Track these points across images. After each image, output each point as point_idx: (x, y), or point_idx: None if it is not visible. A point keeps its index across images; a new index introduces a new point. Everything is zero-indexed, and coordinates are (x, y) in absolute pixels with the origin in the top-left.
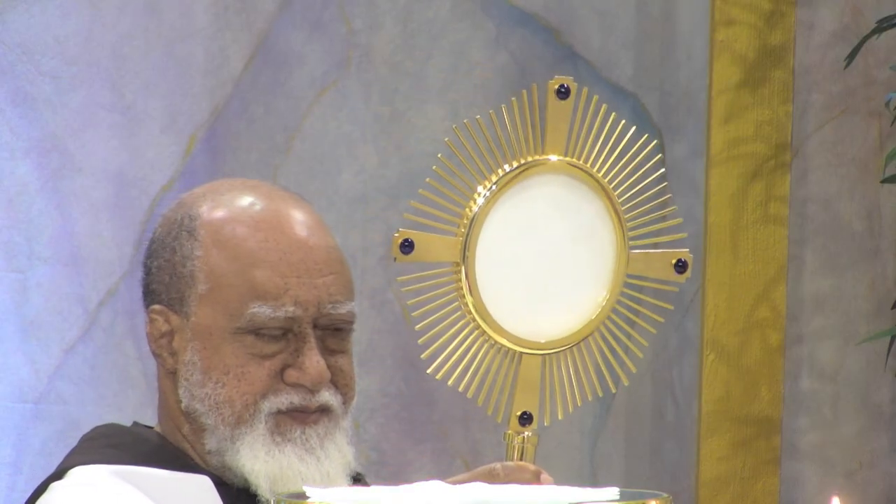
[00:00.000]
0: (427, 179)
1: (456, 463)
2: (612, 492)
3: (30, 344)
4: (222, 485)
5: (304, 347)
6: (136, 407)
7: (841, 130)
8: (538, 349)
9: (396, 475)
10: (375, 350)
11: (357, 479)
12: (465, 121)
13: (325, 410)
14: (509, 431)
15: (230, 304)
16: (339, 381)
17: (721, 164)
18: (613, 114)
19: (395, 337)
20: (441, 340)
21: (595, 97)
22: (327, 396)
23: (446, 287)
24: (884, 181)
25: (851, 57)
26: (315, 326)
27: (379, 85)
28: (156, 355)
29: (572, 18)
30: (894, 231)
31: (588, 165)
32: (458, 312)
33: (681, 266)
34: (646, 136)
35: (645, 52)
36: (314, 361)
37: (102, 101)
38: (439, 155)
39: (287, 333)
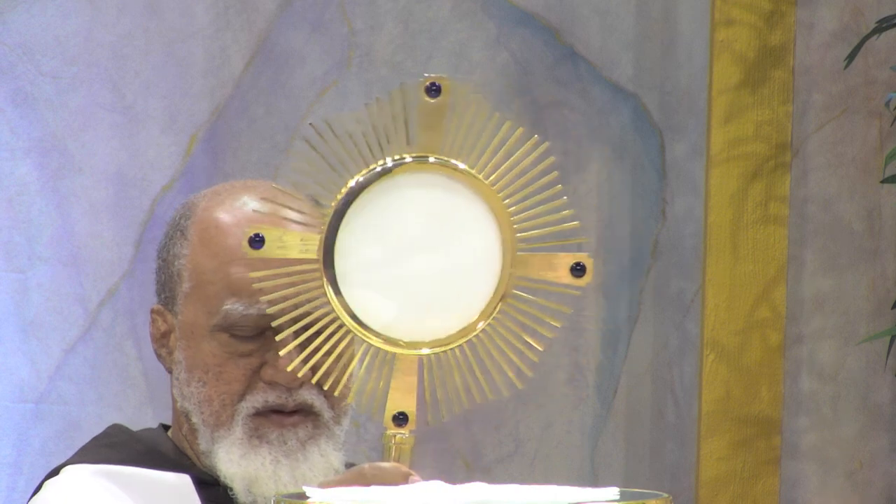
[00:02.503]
0: (280, 177)
1: (457, 463)
2: (612, 492)
3: (30, 344)
4: (215, 485)
5: (280, 345)
6: (137, 407)
7: (841, 130)
8: (414, 349)
9: None
10: None
11: None
12: (322, 119)
13: (307, 412)
14: (387, 432)
15: (208, 301)
16: (325, 383)
17: (721, 164)
18: (497, 114)
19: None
20: (303, 337)
21: (477, 97)
22: (306, 396)
23: (308, 284)
24: (884, 181)
25: (851, 57)
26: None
27: (380, 85)
28: (157, 355)
29: (573, 18)
30: (894, 231)
31: (467, 165)
32: (324, 309)
33: (578, 270)
34: (535, 136)
35: (645, 52)
36: (288, 359)
37: (102, 101)
38: (296, 154)
39: (265, 331)
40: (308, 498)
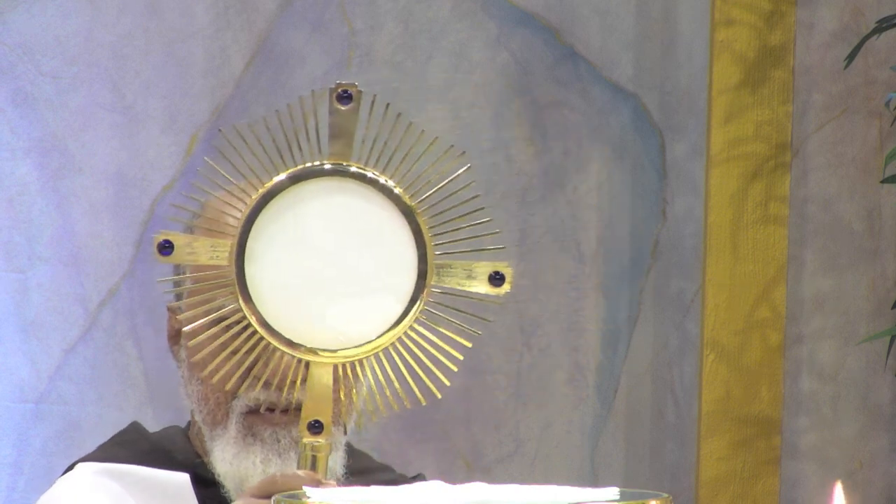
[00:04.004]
0: (193, 182)
1: (458, 463)
2: (612, 492)
3: (30, 344)
4: (214, 484)
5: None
6: (137, 407)
7: (841, 130)
8: (328, 358)
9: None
10: None
11: (415, 478)
12: (234, 124)
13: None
14: (303, 440)
15: (206, 300)
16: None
17: (721, 164)
18: (411, 122)
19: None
20: (216, 343)
21: (388, 104)
22: (300, 395)
23: (218, 290)
24: (884, 181)
25: (851, 57)
26: None
27: (380, 85)
28: (172, 353)
29: (573, 18)
30: (894, 231)
31: (379, 173)
32: (236, 315)
33: (497, 278)
34: (452, 146)
35: (645, 52)
36: (278, 357)
37: (103, 101)
38: (206, 158)
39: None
40: (308, 498)
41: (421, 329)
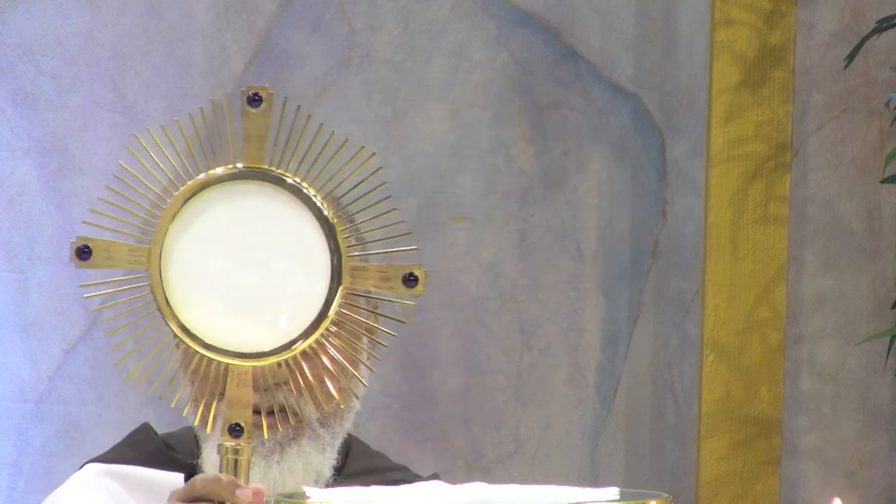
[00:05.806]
0: (107, 186)
1: (457, 463)
2: (612, 492)
3: (30, 344)
4: None
5: None
6: (137, 407)
7: (841, 130)
8: (247, 360)
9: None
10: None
11: (430, 479)
12: (148, 129)
13: (286, 413)
14: (224, 444)
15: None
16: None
17: (721, 164)
18: (322, 123)
19: (396, 337)
20: (137, 347)
21: (299, 106)
22: (283, 398)
23: (139, 294)
24: (884, 181)
25: (851, 57)
26: None
27: (380, 85)
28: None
29: (573, 18)
30: (894, 231)
31: (293, 175)
32: (156, 319)
33: (411, 280)
34: (363, 147)
35: (645, 52)
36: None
37: (103, 101)
38: (121, 162)
39: None
40: (308, 498)
41: (338, 330)
